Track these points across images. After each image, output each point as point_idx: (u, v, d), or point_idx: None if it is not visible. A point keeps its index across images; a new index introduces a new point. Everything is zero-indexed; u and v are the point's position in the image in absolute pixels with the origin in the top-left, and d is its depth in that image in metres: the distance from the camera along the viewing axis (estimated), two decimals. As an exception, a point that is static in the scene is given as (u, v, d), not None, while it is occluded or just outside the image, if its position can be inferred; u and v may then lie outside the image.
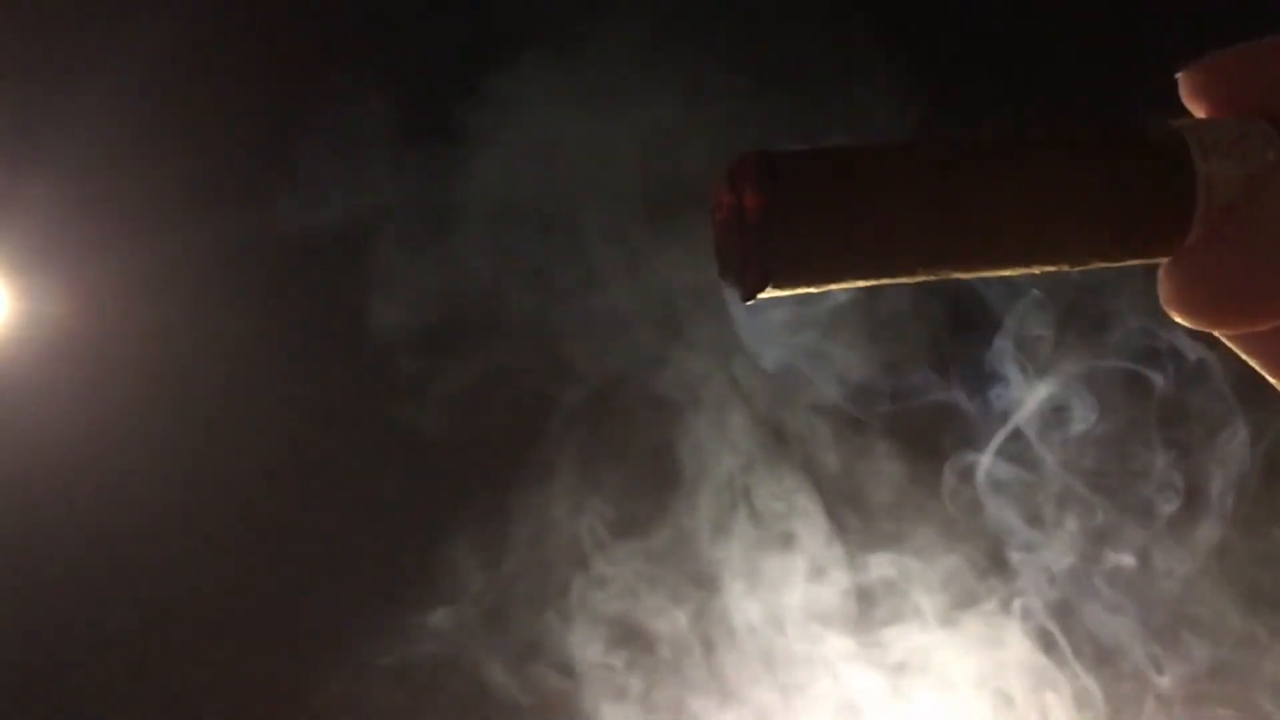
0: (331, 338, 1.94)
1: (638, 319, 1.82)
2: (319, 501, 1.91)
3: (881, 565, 1.79)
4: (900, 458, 1.80)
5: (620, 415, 1.84)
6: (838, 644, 1.79)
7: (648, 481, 1.84)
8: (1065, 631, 1.75)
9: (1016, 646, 1.76)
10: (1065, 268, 0.47)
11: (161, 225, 1.90)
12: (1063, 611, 1.75)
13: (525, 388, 1.87)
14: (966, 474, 1.74)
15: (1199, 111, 0.47)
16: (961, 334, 1.75)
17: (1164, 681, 1.73)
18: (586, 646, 1.83)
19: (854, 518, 1.81)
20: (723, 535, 1.82)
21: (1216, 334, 0.47)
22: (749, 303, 0.44)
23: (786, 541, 1.81)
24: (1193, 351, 1.69)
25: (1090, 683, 1.74)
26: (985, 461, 1.72)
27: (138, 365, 1.90)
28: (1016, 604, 1.76)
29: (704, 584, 1.83)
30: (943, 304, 1.76)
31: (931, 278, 0.46)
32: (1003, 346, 1.72)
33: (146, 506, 1.87)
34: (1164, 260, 0.47)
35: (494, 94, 1.82)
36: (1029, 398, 1.71)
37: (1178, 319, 0.46)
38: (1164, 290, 0.47)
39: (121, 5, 1.88)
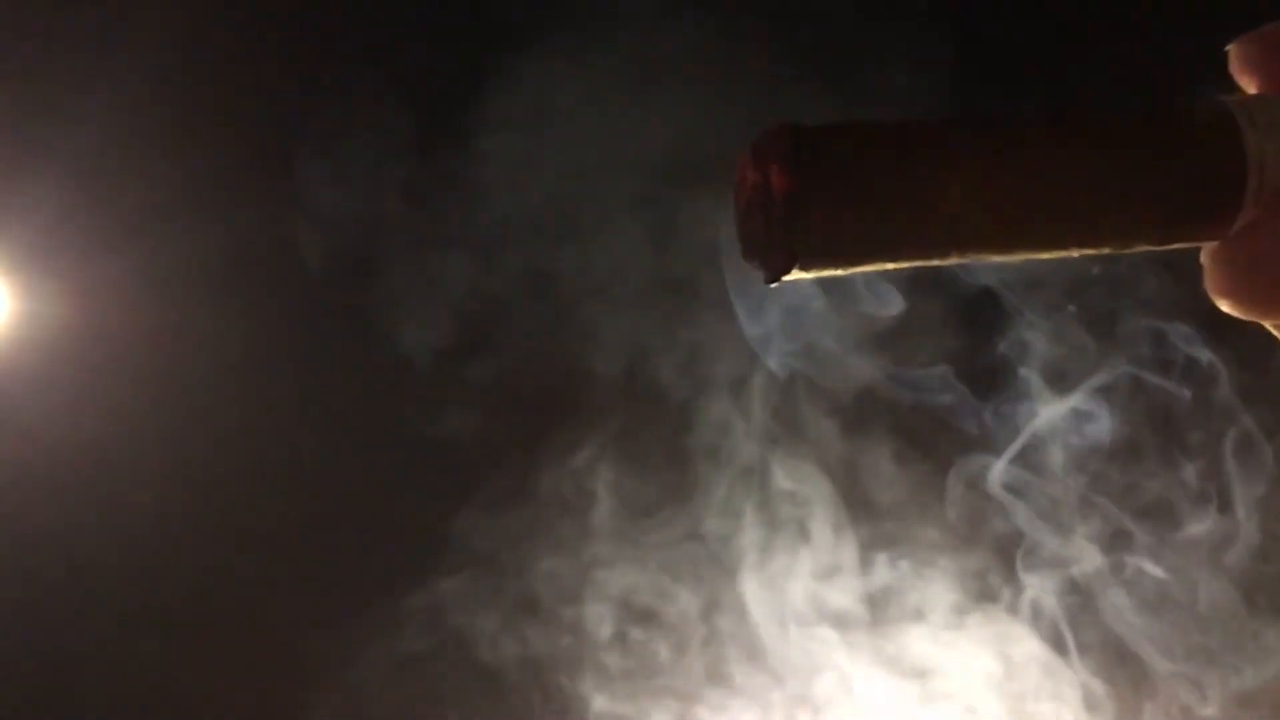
0: (332, 336, 1.93)
1: (650, 317, 1.81)
2: (320, 499, 1.90)
3: (888, 564, 1.78)
4: (913, 459, 1.79)
5: (630, 416, 1.83)
6: (841, 638, 1.78)
7: (659, 481, 1.83)
8: (1075, 634, 1.74)
9: (1024, 647, 1.75)
10: (1106, 251, 0.45)
11: (161, 225, 1.89)
12: (1073, 614, 1.74)
13: (527, 385, 1.86)
14: (978, 477, 1.72)
15: (1250, 87, 0.45)
16: (979, 338, 1.74)
17: (1174, 686, 1.71)
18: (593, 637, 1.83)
19: (862, 517, 1.80)
20: (736, 530, 1.82)
21: (1266, 324, 0.45)
22: (774, 285, 0.42)
23: (794, 535, 1.80)
24: (1204, 356, 1.68)
25: (1097, 685, 1.73)
26: (999, 465, 1.71)
27: (138, 365, 1.89)
28: (1026, 606, 1.74)
29: (715, 575, 1.82)
30: (960, 306, 1.74)
31: (964, 260, 0.44)
32: (1021, 351, 1.70)
33: (146, 505, 1.86)
34: (1212, 244, 0.45)
35: (506, 88, 1.81)
36: (1044, 403, 1.70)
37: (1225, 308, 0.44)
38: (1211, 277, 0.44)
39: (123, 7, 1.87)
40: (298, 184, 1.88)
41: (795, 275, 0.43)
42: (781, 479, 1.80)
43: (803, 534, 1.80)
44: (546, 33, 1.80)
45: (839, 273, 0.43)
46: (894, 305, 1.67)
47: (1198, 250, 0.46)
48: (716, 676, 1.83)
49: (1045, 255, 0.44)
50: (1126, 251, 0.45)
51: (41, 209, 1.85)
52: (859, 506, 1.80)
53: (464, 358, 1.88)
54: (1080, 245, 0.44)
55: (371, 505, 1.91)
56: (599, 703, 1.82)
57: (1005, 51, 1.80)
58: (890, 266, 0.43)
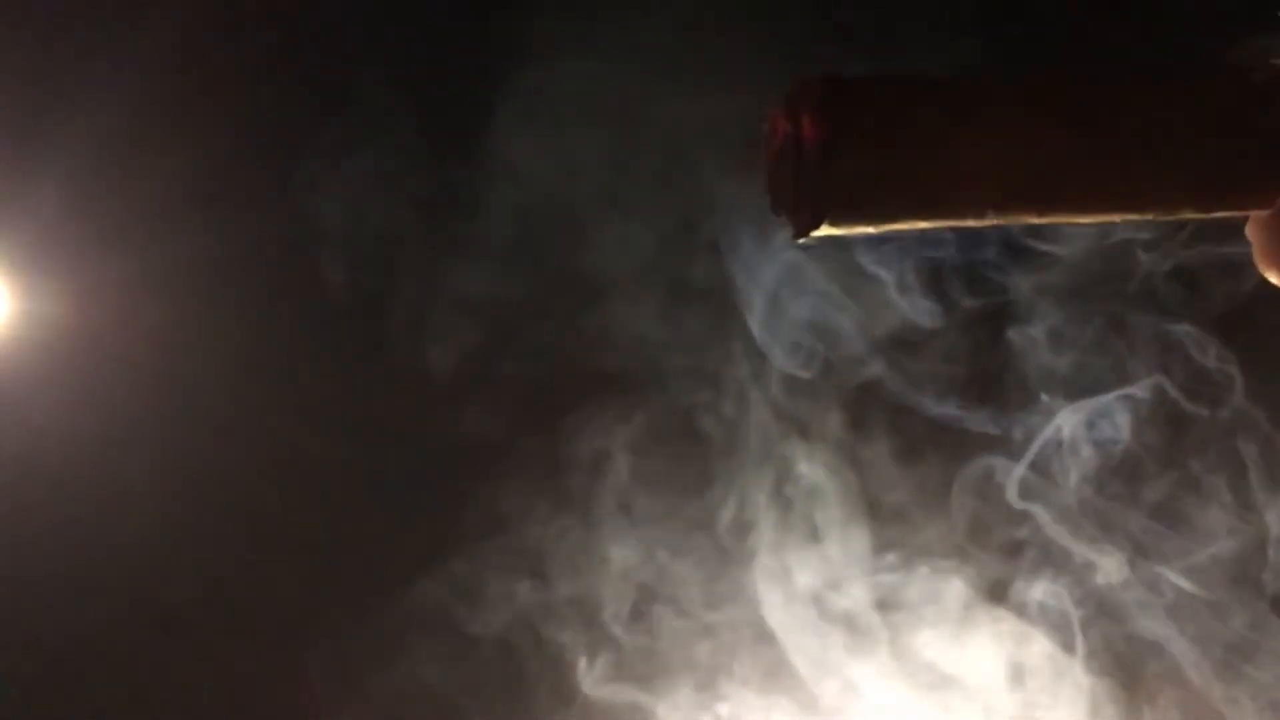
0: (332, 335, 1.92)
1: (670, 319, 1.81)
2: (322, 499, 1.90)
3: (900, 565, 1.78)
4: (928, 461, 1.78)
5: (650, 419, 1.83)
6: (852, 638, 1.77)
7: (678, 476, 1.83)
8: (1095, 642, 1.73)
9: (1039, 653, 1.74)
10: (1149, 217, 0.43)
11: (161, 225, 1.89)
12: (1093, 621, 1.73)
13: (535, 384, 1.85)
14: (996, 481, 1.72)
15: None
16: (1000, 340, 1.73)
17: (1194, 698, 1.70)
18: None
19: (875, 518, 1.79)
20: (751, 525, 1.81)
21: None
22: (801, 241, 0.41)
23: (805, 534, 1.80)
24: (1230, 364, 1.67)
25: (1115, 694, 1.72)
26: (1017, 471, 1.70)
27: (138, 365, 1.88)
28: (1043, 612, 1.74)
29: (729, 573, 1.82)
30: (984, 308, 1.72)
31: (1000, 221, 0.42)
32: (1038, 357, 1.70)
33: (146, 505, 1.85)
34: (1260, 214, 0.43)
35: (522, 81, 1.81)
36: (1063, 410, 1.69)
37: (1275, 279, 0.43)
38: (1260, 248, 0.43)
39: (124, 6, 1.86)
40: (299, 183, 1.87)
41: (824, 231, 0.41)
42: (793, 478, 1.79)
43: (814, 533, 1.80)
44: (566, 18, 1.79)
45: (869, 230, 0.42)
46: (917, 305, 1.67)
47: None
48: (728, 674, 1.82)
49: (1085, 219, 0.43)
50: (1169, 219, 0.43)
51: (41, 209, 1.85)
52: (871, 508, 1.79)
53: (464, 358, 1.88)
54: (1122, 209, 0.43)
55: (374, 505, 1.90)
56: (617, 693, 1.82)
57: (1049, 14, 1.76)
58: (923, 225, 0.42)
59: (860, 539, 1.79)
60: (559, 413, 1.84)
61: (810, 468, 1.79)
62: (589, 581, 1.83)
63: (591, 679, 1.82)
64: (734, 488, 1.81)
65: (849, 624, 1.78)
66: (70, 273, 1.87)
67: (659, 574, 1.82)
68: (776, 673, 1.80)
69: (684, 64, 1.79)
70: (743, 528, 1.81)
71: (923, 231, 0.40)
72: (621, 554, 1.83)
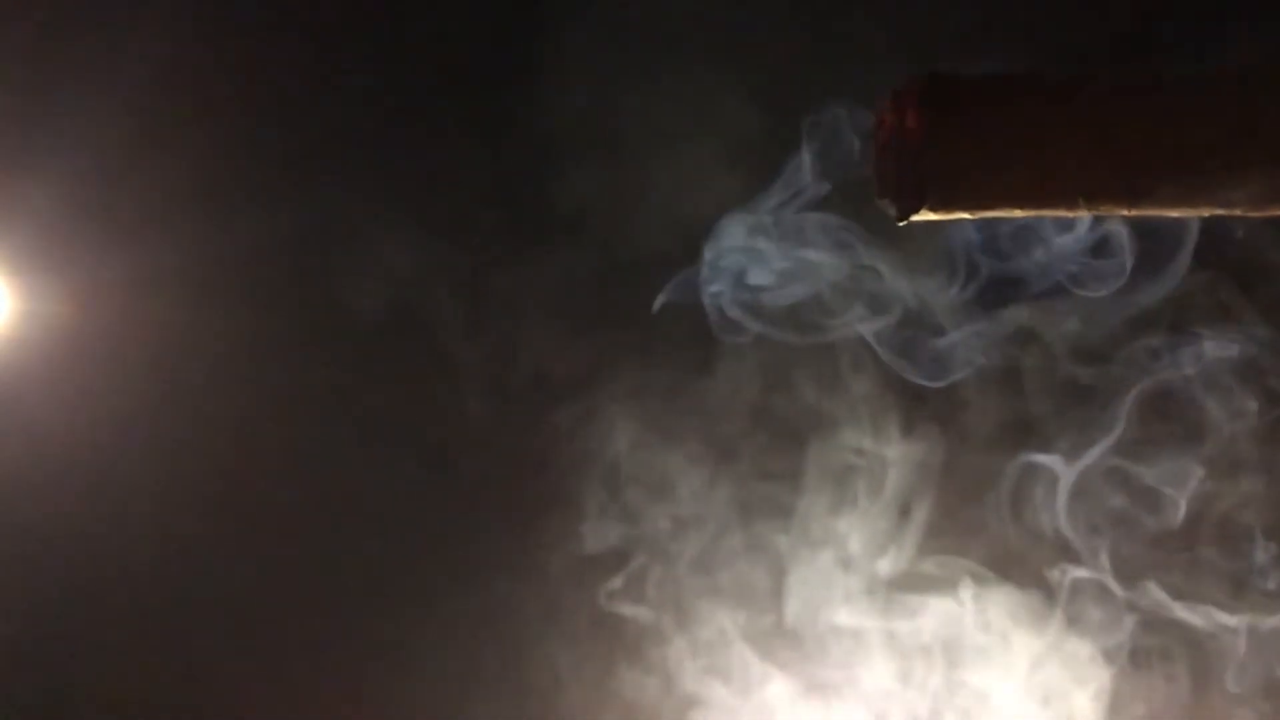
0: (331, 336, 1.93)
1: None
2: (322, 498, 1.89)
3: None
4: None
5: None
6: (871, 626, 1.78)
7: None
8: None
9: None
10: (1237, 213, 0.45)
11: (162, 226, 1.89)
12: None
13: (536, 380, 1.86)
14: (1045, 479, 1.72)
15: None
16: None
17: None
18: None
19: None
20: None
21: None
22: (903, 223, 0.43)
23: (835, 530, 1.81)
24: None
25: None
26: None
27: (138, 365, 1.88)
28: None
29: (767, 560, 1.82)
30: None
31: (1092, 212, 0.44)
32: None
33: (145, 504, 1.85)
34: None
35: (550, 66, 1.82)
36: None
37: None
38: None
39: (124, 10, 1.86)
40: (299, 183, 1.88)
41: (924, 215, 0.43)
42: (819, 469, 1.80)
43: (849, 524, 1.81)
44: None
45: (967, 216, 0.43)
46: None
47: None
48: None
49: (1174, 212, 0.45)
50: (1256, 215, 0.45)
51: (41, 209, 1.85)
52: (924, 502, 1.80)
53: (463, 357, 1.88)
54: (1209, 204, 0.45)
55: (375, 504, 1.90)
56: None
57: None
58: (1019, 213, 0.44)
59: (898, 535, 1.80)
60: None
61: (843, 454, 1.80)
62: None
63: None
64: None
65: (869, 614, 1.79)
66: (70, 273, 1.87)
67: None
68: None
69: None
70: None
71: (1018, 219, 0.42)
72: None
